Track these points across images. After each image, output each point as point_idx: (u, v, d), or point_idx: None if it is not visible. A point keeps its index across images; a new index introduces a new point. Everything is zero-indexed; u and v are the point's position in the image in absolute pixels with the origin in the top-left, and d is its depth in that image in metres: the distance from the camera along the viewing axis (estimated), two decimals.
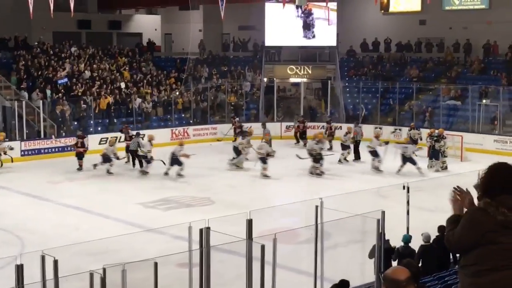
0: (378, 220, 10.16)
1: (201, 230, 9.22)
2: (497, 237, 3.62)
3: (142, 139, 25.29)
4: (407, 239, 12.11)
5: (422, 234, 12.26)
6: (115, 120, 30.56)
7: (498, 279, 3.60)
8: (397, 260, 11.65)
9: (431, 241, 12.10)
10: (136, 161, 24.80)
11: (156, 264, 8.56)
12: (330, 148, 28.27)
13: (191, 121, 32.65)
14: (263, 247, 8.85)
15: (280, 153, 27.91)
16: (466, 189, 3.91)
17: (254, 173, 23.88)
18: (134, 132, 26.65)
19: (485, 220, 3.64)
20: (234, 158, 25.15)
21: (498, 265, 3.62)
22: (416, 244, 12.06)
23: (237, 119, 31.26)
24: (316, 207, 10.82)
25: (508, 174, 3.74)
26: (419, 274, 7.11)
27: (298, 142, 30.81)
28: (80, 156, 24.61)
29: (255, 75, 36.12)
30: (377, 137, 25.40)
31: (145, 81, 33.72)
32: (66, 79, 31.11)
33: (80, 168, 24.39)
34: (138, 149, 24.46)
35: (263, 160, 23.60)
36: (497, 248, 3.62)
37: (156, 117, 32.19)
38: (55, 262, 8.25)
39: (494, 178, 3.75)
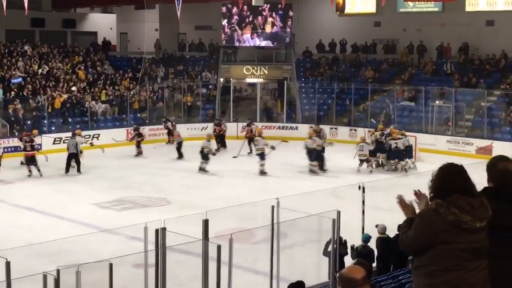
0: (334, 220, 10.23)
1: (157, 231, 9.17)
2: (449, 237, 3.68)
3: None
4: (366, 238, 12.24)
5: (376, 226, 12.38)
6: (70, 120, 30.20)
7: (451, 279, 3.65)
8: (356, 259, 11.77)
9: (387, 234, 12.23)
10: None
11: (111, 265, 8.48)
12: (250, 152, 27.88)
13: (147, 121, 32.42)
14: (219, 247, 8.84)
15: (236, 153, 27.98)
16: (420, 190, 3.96)
17: (209, 174, 23.88)
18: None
19: (436, 220, 3.69)
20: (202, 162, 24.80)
21: (451, 265, 3.67)
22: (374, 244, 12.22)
23: (170, 121, 30.96)
24: (273, 207, 10.85)
25: (458, 175, 3.80)
26: (371, 273, 7.18)
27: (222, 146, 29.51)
28: (31, 160, 23.31)
29: (212, 75, 36.05)
30: (310, 137, 25.35)
31: (100, 80, 33.39)
32: (20, 79, 30.64)
33: (30, 174, 23.16)
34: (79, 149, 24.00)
35: (261, 155, 24.14)
36: (449, 248, 3.68)
37: (111, 116, 31.90)
38: (7, 264, 8.11)
39: (444, 178, 3.80)
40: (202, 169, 24.21)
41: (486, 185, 4.20)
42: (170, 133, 30.43)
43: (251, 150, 27.70)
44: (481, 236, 3.71)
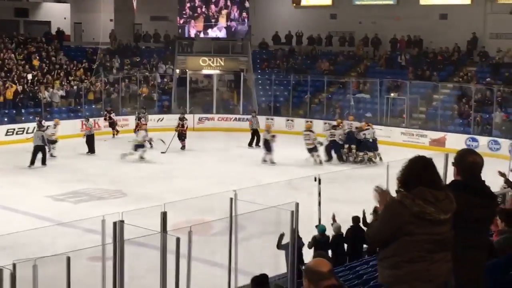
0: (292, 212, 10.26)
1: (114, 224, 9.07)
2: (413, 228, 3.72)
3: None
4: (322, 229, 12.36)
5: (332, 225, 12.53)
6: (23, 111, 29.70)
7: (415, 270, 3.69)
8: (312, 247, 11.88)
9: (342, 232, 12.41)
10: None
11: (68, 259, 8.37)
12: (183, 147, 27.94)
13: (102, 112, 32.03)
14: (178, 240, 8.79)
15: (194, 146, 27.90)
16: (386, 188, 3.98)
17: (164, 166, 23.79)
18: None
19: (401, 212, 3.73)
20: (131, 152, 24.91)
21: (415, 256, 3.71)
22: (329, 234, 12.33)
23: (113, 113, 30.91)
24: (231, 199, 10.84)
25: (424, 167, 3.84)
26: (332, 265, 7.26)
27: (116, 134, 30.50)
28: None
29: (167, 66, 35.81)
30: (268, 130, 25.53)
31: (54, 71, 32.89)
32: None
33: None
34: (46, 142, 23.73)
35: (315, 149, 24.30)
36: (413, 239, 3.72)
37: (66, 107, 31.45)
38: None
39: (410, 171, 3.84)
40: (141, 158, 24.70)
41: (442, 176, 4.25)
42: (112, 125, 30.32)
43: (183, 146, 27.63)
44: (445, 228, 3.76)
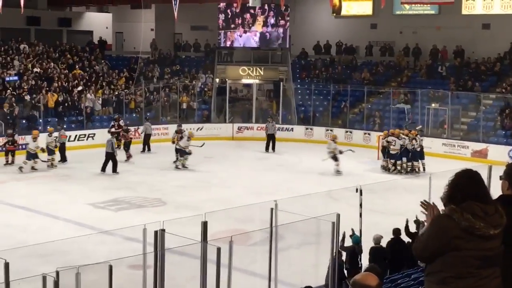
0: (333, 223, 10.18)
1: (156, 232, 9.11)
2: (462, 244, 3.62)
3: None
4: (356, 240, 12.25)
5: (351, 237, 12.42)
6: (65, 119, 30.08)
7: (463, 286, 3.61)
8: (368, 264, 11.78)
9: (381, 243, 12.28)
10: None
11: (111, 267, 8.42)
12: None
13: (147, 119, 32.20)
14: (219, 250, 8.78)
15: (232, 155, 27.98)
16: (433, 202, 3.89)
17: (202, 174, 23.86)
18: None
19: (450, 226, 3.64)
20: (177, 159, 25.05)
21: (463, 272, 3.62)
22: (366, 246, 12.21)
23: (121, 120, 29.01)
24: (271, 209, 10.80)
25: (473, 181, 3.75)
26: (382, 279, 7.15)
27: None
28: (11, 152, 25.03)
29: (207, 75, 35.99)
30: (334, 140, 25.40)
31: (96, 80, 33.29)
32: (16, 77, 30.55)
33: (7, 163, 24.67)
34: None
35: (335, 157, 24.40)
36: (462, 255, 3.62)
37: (107, 116, 31.77)
38: (6, 265, 8.03)
39: (458, 184, 3.75)
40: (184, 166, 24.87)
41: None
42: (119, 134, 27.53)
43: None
44: (494, 243, 3.66)
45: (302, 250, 13.89)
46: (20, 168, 23.55)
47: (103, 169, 23.58)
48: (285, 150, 28.42)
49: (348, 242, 12.21)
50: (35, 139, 24.08)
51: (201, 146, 25.50)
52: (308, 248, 13.50)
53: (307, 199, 16.71)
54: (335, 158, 24.54)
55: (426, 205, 3.89)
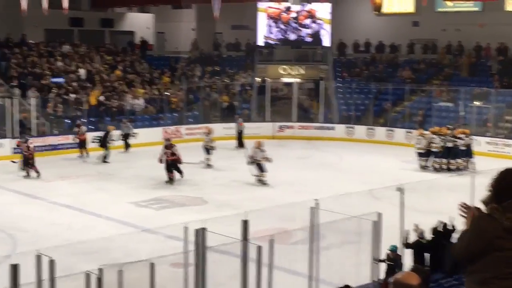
0: (374, 222, 10.13)
1: (197, 231, 9.17)
2: (504, 243, 3.56)
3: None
4: (393, 248, 12.07)
5: (415, 230, 12.27)
6: (108, 118, 30.45)
7: (505, 287, 3.55)
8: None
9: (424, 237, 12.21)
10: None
11: (152, 265, 8.51)
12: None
13: (190, 119, 32.51)
14: (259, 248, 8.81)
15: (273, 154, 27.93)
16: (474, 205, 3.82)
17: (243, 173, 23.87)
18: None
19: (491, 226, 3.58)
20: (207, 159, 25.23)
21: (505, 273, 3.56)
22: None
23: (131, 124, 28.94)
24: (312, 208, 10.79)
25: None
26: (429, 279, 7.09)
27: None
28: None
29: (247, 74, 36.07)
30: (423, 135, 25.19)
31: (138, 80, 33.63)
32: (62, 78, 31.06)
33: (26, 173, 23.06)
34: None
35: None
36: (503, 255, 3.56)
37: (149, 116, 32.06)
38: (51, 262, 8.17)
39: (501, 183, 3.69)
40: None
41: None
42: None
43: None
44: None
45: (343, 249, 13.82)
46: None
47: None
48: (326, 149, 28.33)
49: (413, 238, 12.19)
50: (208, 134, 24.92)
51: (198, 163, 25.02)
52: (349, 247, 13.43)
53: (348, 198, 16.65)
54: (425, 154, 24.54)
55: (465, 208, 3.80)
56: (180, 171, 22.50)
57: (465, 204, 3.82)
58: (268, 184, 21.94)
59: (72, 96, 30.00)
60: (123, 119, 29.13)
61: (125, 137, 28.29)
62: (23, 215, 17.76)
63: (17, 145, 24.59)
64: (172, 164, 22.27)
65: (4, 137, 26.62)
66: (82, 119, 28.50)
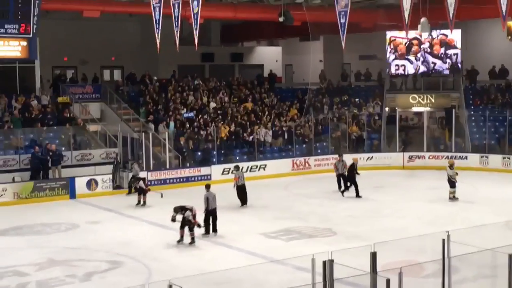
0: (511, 255, 9.69)
1: (324, 263, 9.13)
2: None
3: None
4: None
5: None
6: (237, 151, 31.04)
7: None
8: None
9: None
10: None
11: None
12: None
13: (319, 150, 32.54)
14: (388, 281, 8.65)
15: (403, 184, 27.49)
16: None
17: (372, 204, 23.57)
18: None
19: None
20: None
21: None
22: None
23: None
24: (443, 240, 10.49)
25: None
26: None
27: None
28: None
29: (375, 103, 35.74)
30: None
31: (266, 112, 34.14)
32: (192, 113, 32.10)
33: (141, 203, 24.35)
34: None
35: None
36: None
37: (277, 147, 32.39)
38: None
39: None
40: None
41: None
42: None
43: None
44: None
45: (478, 284, 13.29)
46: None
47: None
48: (460, 179, 27.43)
49: None
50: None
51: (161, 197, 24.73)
52: (485, 281, 12.90)
53: (483, 230, 16.06)
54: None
55: None
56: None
57: None
58: (457, 199, 23.65)
59: (204, 131, 30.80)
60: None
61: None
62: (158, 245, 18.30)
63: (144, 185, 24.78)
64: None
65: (142, 170, 27.62)
66: (213, 152, 29.21)
